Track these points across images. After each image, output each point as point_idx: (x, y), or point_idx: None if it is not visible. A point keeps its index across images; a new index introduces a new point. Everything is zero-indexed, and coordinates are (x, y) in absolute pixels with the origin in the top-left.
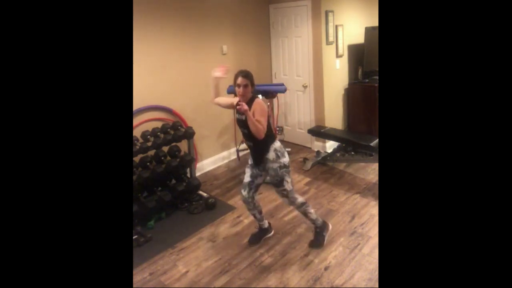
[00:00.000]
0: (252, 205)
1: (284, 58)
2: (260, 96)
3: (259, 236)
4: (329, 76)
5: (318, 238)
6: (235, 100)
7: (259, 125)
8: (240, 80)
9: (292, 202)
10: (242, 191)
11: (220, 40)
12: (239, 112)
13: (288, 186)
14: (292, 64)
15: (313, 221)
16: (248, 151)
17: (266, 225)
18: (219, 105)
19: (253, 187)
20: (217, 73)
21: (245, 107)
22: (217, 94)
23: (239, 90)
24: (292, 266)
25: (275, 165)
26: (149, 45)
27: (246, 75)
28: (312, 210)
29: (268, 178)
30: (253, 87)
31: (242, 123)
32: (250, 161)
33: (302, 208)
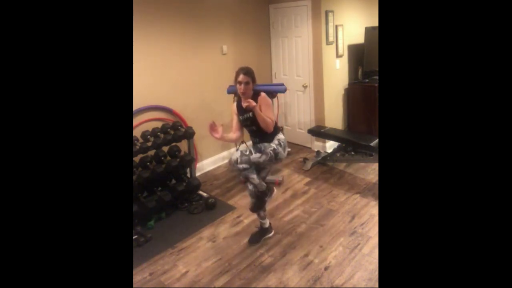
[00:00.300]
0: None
1: (284, 58)
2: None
3: (259, 236)
4: (329, 76)
5: (258, 201)
6: (234, 108)
7: (267, 119)
8: (241, 77)
9: (234, 161)
10: (255, 176)
11: (220, 40)
12: (243, 112)
13: (256, 155)
14: (292, 64)
15: (255, 186)
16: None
17: (267, 224)
18: (235, 133)
19: (259, 170)
20: (216, 134)
21: (253, 103)
22: (227, 137)
23: (240, 88)
24: (292, 266)
25: (270, 148)
26: (149, 45)
27: (247, 72)
28: (254, 175)
29: (263, 157)
30: (254, 83)
31: (250, 121)
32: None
33: (243, 172)
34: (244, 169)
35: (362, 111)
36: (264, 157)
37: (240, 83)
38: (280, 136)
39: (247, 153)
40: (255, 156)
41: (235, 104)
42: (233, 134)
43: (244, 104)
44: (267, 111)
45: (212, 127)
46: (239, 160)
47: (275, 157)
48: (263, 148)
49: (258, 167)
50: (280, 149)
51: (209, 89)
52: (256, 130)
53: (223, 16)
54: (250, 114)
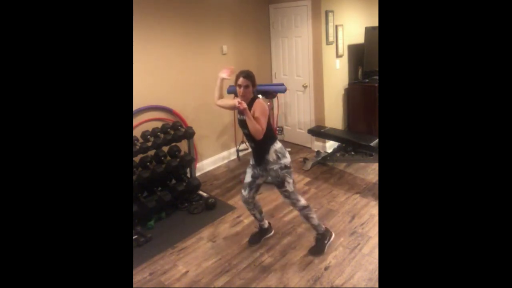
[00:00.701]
0: (252, 205)
1: (284, 58)
2: (260, 96)
3: (259, 236)
4: (329, 76)
5: (319, 245)
6: (236, 101)
7: (257, 126)
8: (241, 80)
9: (293, 203)
10: (243, 191)
11: (220, 40)
12: (240, 112)
13: (289, 187)
14: (292, 64)
15: (315, 227)
16: (249, 150)
17: (266, 225)
18: (222, 107)
19: (254, 187)
20: (223, 74)
21: (244, 105)
22: (221, 96)
23: (240, 91)
24: (292, 266)
25: (276, 166)
26: (149, 45)
27: (247, 75)
28: (314, 215)
29: (269, 178)
30: (254, 87)
31: (243, 123)
32: (251, 161)
33: (303, 211)
34: (304, 207)
35: (362, 111)
36: (271, 178)
37: (239, 86)
38: (276, 146)
39: (251, 172)
40: (263, 178)
41: (237, 99)
42: (223, 103)
43: (237, 104)
44: (260, 117)
45: (227, 70)
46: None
47: (282, 178)
48: (268, 170)
49: (277, 185)
50: (283, 161)
51: (209, 89)
52: (249, 133)
53: (223, 16)
54: (244, 117)
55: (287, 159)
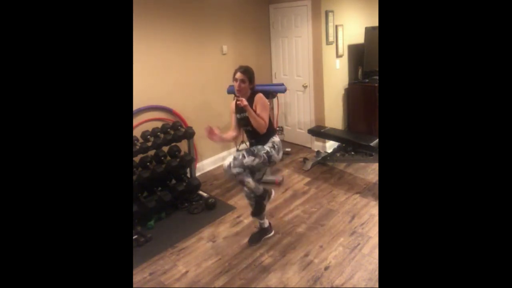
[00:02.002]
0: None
1: (284, 58)
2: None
3: (259, 236)
4: (329, 76)
5: (257, 206)
6: (232, 106)
7: (260, 120)
8: (237, 75)
9: (230, 166)
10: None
11: (220, 40)
12: (240, 111)
13: (248, 159)
14: (292, 64)
15: (252, 190)
16: None
17: (266, 224)
18: (234, 132)
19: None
20: (213, 137)
21: (245, 102)
22: (226, 138)
23: (236, 85)
24: (292, 266)
25: (264, 150)
26: (149, 45)
27: (244, 70)
28: (249, 179)
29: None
30: (251, 83)
31: (245, 121)
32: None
33: (238, 177)
34: (238, 173)
35: (362, 111)
36: (257, 160)
37: (236, 80)
38: (275, 138)
39: (240, 157)
40: (248, 159)
41: (233, 102)
42: (232, 133)
43: (238, 102)
44: (262, 112)
45: (209, 131)
46: (232, 165)
47: (268, 160)
48: (256, 151)
49: (252, 170)
50: (273, 152)
51: (209, 89)
52: (252, 130)
53: (223, 16)
54: (245, 114)
55: (277, 156)
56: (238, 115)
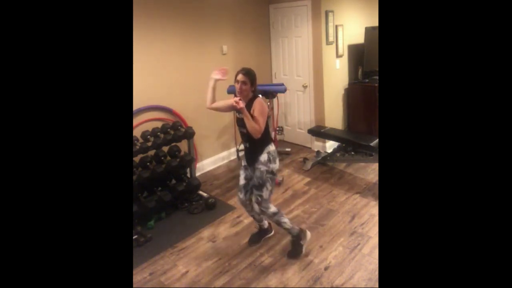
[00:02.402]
0: (250, 207)
1: (284, 58)
2: (260, 96)
3: (259, 237)
4: (329, 76)
5: (296, 247)
6: (233, 100)
7: (255, 125)
8: (239, 76)
9: (262, 211)
10: (239, 193)
11: (220, 40)
12: (239, 111)
13: (265, 193)
14: (292, 64)
15: (289, 231)
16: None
17: (266, 225)
18: (217, 109)
19: (249, 188)
20: (216, 75)
21: (241, 105)
22: (214, 99)
23: (237, 86)
24: (292, 266)
25: (263, 168)
26: (149, 45)
27: (247, 72)
28: (286, 219)
29: (253, 179)
30: (253, 86)
31: (241, 122)
32: (243, 163)
33: (274, 218)
34: (274, 213)
35: (362, 111)
36: (255, 177)
37: (237, 82)
38: (271, 147)
39: (244, 182)
40: (256, 180)
41: (232, 98)
42: (219, 104)
43: (234, 103)
44: (258, 116)
45: (221, 70)
46: (254, 200)
47: (272, 173)
48: (256, 170)
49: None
50: (271, 166)
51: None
52: (246, 133)
53: (223, 16)
54: (242, 115)
55: (276, 165)
56: (237, 114)
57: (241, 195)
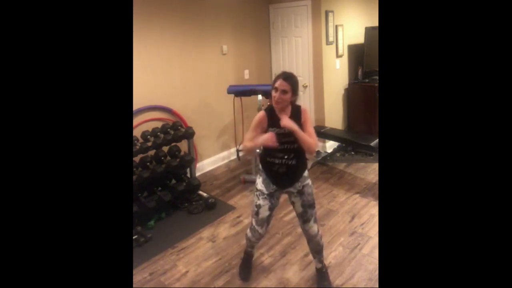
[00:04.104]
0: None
1: (284, 58)
2: (260, 96)
3: (249, 266)
4: (329, 76)
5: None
6: (262, 118)
7: (313, 139)
8: (279, 82)
9: (318, 230)
10: (258, 228)
11: (220, 40)
12: (280, 126)
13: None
14: (292, 64)
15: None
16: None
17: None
18: (252, 149)
19: (270, 221)
20: (268, 142)
21: (294, 126)
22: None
23: (275, 95)
24: (292, 266)
25: (310, 181)
26: (149, 45)
27: (288, 77)
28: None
29: (299, 202)
30: (295, 95)
31: (288, 137)
32: (266, 189)
33: (319, 238)
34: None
35: (362, 111)
36: (305, 198)
37: (276, 89)
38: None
39: (268, 203)
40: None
41: (263, 113)
42: (250, 144)
43: (282, 123)
44: (311, 129)
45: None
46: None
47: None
48: (304, 188)
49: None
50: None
51: (209, 89)
52: (296, 148)
53: (223, 16)
54: (286, 130)
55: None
56: (273, 129)
57: (262, 230)
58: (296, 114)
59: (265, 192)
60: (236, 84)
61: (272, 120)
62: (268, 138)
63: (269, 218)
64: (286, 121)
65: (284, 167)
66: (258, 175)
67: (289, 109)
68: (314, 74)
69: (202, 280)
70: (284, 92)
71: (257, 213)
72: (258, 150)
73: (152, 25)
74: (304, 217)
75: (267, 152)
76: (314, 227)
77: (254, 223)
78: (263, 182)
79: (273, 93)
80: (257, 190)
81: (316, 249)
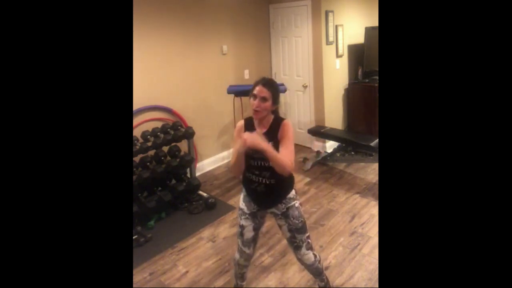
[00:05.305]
0: (249, 262)
1: (284, 58)
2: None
3: None
4: (329, 76)
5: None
6: (240, 128)
7: (286, 160)
8: (258, 89)
9: (317, 259)
10: (244, 249)
11: (220, 40)
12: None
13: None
14: (292, 64)
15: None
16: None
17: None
18: (237, 162)
19: (257, 240)
20: (242, 147)
21: (257, 143)
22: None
23: (254, 103)
24: (292, 266)
25: (297, 203)
26: (149, 45)
27: (267, 83)
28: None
29: (285, 226)
30: (275, 104)
31: (258, 153)
32: (249, 208)
33: (317, 264)
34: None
35: (362, 111)
36: (291, 221)
37: (254, 96)
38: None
39: (252, 224)
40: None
41: (241, 123)
42: (234, 159)
43: (247, 141)
44: (290, 145)
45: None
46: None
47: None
48: (288, 211)
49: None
50: (298, 200)
51: (209, 89)
52: (269, 167)
53: (223, 16)
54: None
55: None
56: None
57: (250, 250)
58: (276, 128)
59: (246, 211)
60: (236, 84)
61: (249, 131)
62: (242, 142)
63: (255, 237)
64: (250, 138)
65: (262, 186)
66: (242, 191)
67: (269, 120)
68: (314, 74)
69: (202, 280)
70: (263, 99)
71: (241, 234)
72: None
73: (152, 25)
74: (294, 244)
75: (246, 167)
76: (308, 255)
77: (240, 244)
78: (244, 199)
79: (251, 101)
80: (239, 208)
81: (316, 274)
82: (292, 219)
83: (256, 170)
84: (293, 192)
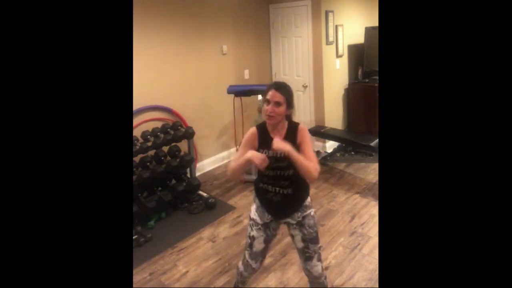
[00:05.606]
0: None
1: (284, 58)
2: (260, 96)
3: None
4: (329, 76)
5: None
6: (252, 136)
7: (312, 166)
8: (271, 93)
9: (322, 270)
10: (251, 262)
11: (220, 40)
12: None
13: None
14: (292, 64)
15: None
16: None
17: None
18: (237, 169)
19: (266, 255)
20: (255, 159)
21: (286, 147)
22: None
23: (267, 109)
24: (292, 266)
25: (312, 211)
26: (149, 44)
27: (281, 87)
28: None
29: (299, 236)
30: (290, 108)
31: (278, 162)
32: (260, 219)
33: (323, 279)
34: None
35: (362, 111)
36: (306, 230)
37: (267, 101)
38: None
39: (263, 235)
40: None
41: (253, 130)
42: (234, 164)
43: (274, 145)
44: (310, 151)
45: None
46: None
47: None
48: (303, 220)
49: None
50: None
51: (209, 89)
52: (292, 175)
53: (223, 16)
54: (280, 153)
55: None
56: (265, 151)
57: (256, 265)
58: (293, 133)
59: (259, 222)
60: (236, 84)
61: (263, 139)
62: (255, 156)
63: (264, 251)
64: (278, 144)
65: (279, 196)
66: (253, 201)
67: (284, 126)
68: (314, 74)
69: (202, 280)
70: (277, 104)
71: (250, 246)
72: (253, 175)
73: (152, 25)
74: (306, 254)
75: (259, 177)
76: (318, 267)
77: (247, 256)
78: (257, 210)
79: (265, 106)
80: (251, 219)
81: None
82: (307, 228)
83: (272, 180)
84: (308, 199)
